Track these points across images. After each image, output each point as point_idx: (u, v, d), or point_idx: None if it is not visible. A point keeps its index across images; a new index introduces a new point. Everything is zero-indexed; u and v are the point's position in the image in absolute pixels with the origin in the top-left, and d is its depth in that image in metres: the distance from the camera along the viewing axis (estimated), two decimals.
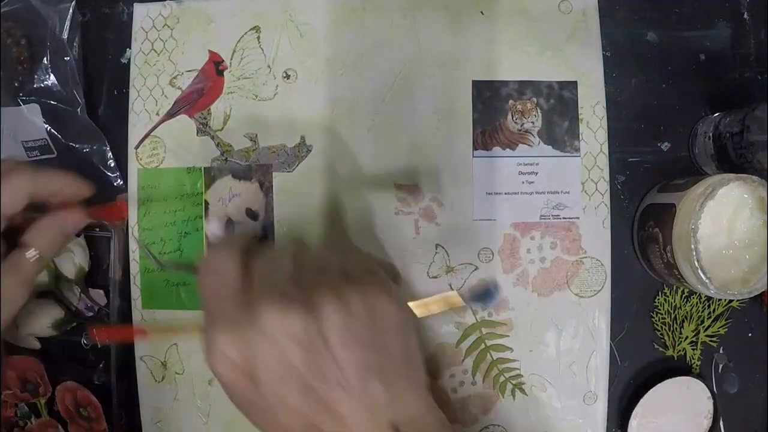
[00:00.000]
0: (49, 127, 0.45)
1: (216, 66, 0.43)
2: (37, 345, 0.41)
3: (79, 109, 0.44)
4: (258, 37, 0.44)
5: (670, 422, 0.44)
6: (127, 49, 0.45)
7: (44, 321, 0.40)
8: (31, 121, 0.45)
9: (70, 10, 0.44)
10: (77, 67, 0.44)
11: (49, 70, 0.44)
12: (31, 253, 0.34)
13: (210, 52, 0.43)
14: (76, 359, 0.46)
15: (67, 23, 0.44)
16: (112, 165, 0.45)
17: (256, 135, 0.43)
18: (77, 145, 0.45)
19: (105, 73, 0.46)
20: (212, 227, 0.42)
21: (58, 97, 0.45)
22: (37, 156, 0.45)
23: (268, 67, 0.43)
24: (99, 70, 0.46)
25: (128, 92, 0.44)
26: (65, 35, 0.44)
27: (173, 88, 0.44)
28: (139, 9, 0.44)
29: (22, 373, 0.42)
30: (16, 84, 0.44)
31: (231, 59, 0.44)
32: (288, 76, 0.43)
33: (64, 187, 0.36)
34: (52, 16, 0.44)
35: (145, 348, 0.43)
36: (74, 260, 0.42)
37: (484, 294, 0.35)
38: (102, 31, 0.46)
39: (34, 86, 0.44)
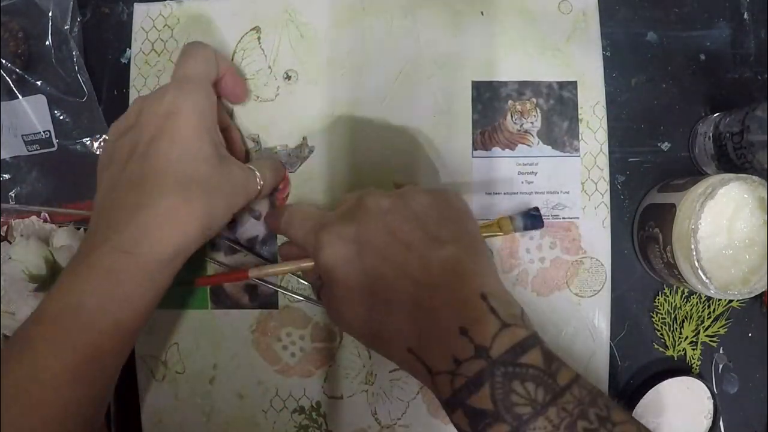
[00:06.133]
0: (57, 117, 0.45)
1: None
2: None
3: (85, 99, 0.45)
4: (258, 38, 0.44)
5: (670, 422, 0.44)
6: (127, 49, 0.45)
7: None
8: (32, 114, 0.45)
9: (71, 2, 0.44)
10: (81, 58, 0.45)
11: (53, 61, 0.44)
12: (256, 172, 0.38)
13: None
14: None
15: (69, 15, 0.44)
16: None
17: (259, 136, 0.43)
18: (81, 138, 0.45)
19: (105, 73, 0.46)
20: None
21: (63, 88, 0.45)
22: (37, 150, 0.45)
23: (269, 67, 0.43)
24: (99, 70, 0.46)
25: (128, 92, 0.44)
26: (67, 27, 0.44)
27: None
28: (139, 9, 0.44)
29: None
30: (13, 77, 0.44)
31: (232, 60, 0.44)
32: (289, 77, 0.43)
33: (228, 72, 0.40)
34: (52, 9, 0.44)
35: (146, 347, 0.43)
36: (73, 253, 0.42)
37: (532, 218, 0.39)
38: (102, 31, 0.46)
39: (39, 78, 0.44)
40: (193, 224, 0.33)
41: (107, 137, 0.36)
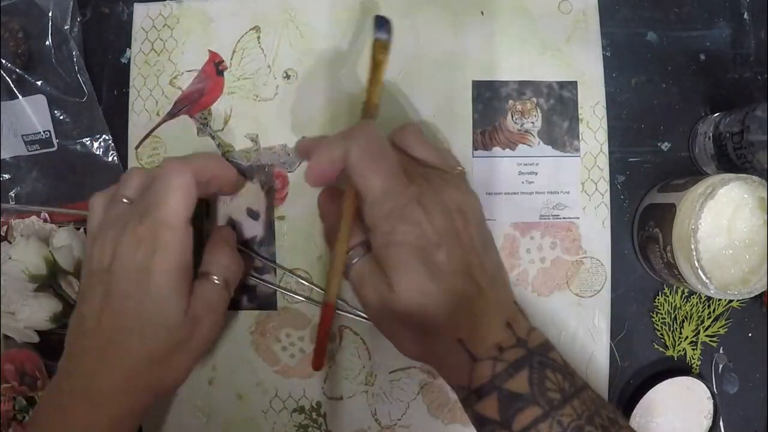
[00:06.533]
0: (57, 117, 0.45)
1: (216, 66, 0.43)
2: (35, 338, 0.41)
3: (85, 99, 0.45)
4: (258, 37, 0.44)
5: (670, 422, 0.44)
6: (127, 49, 0.45)
7: (43, 314, 0.40)
8: (32, 114, 0.45)
9: (71, 2, 0.44)
10: (81, 58, 0.45)
11: (53, 61, 0.44)
12: (215, 279, 0.37)
13: (210, 51, 0.44)
14: None
15: (69, 15, 0.44)
16: (116, 157, 0.45)
17: (257, 135, 0.43)
18: (81, 138, 0.45)
19: (105, 73, 0.46)
20: None
21: (63, 88, 0.45)
22: (37, 150, 0.45)
23: (269, 67, 0.43)
24: (99, 70, 0.46)
25: (128, 92, 0.44)
26: (67, 27, 0.44)
27: (173, 88, 0.44)
28: (139, 9, 0.44)
29: (20, 366, 0.42)
30: (13, 77, 0.44)
31: (231, 59, 0.44)
32: (288, 76, 0.43)
33: (217, 170, 0.39)
34: (52, 9, 0.44)
35: None
36: (73, 253, 0.42)
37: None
38: (102, 31, 0.46)
39: (39, 78, 0.44)
40: (157, 385, 0.35)
41: (85, 257, 0.36)
